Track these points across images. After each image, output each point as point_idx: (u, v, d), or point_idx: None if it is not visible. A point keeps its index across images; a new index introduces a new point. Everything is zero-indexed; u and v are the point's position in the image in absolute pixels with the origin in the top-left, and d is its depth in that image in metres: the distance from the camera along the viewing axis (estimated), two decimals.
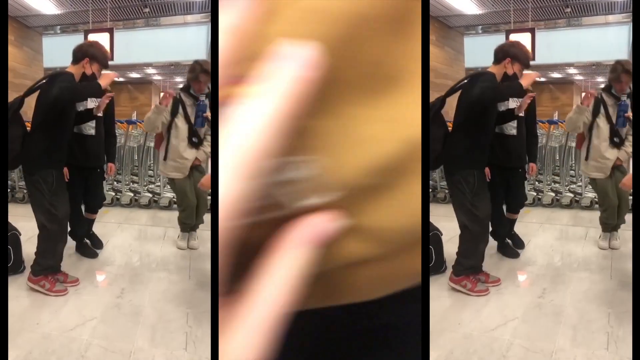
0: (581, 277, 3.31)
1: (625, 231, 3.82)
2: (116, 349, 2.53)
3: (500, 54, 3.10)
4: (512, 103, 3.42)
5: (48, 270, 3.09)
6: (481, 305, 3.00)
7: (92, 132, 3.46)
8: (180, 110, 3.60)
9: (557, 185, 5.03)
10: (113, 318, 2.84)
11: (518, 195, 3.65)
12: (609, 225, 3.77)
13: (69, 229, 3.27)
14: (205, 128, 3.73)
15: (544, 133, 5.19)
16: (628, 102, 3.54)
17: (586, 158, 3.66)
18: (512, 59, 3.05)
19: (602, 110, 3.59)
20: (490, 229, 3.68)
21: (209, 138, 3.77)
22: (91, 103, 3.45)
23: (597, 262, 3.56)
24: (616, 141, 3.59)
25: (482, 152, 3.08)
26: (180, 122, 3.60)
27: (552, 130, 5.26)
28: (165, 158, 3.65)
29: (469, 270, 3.14)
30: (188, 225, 3.83)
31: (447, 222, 3.43)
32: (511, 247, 3.68)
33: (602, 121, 3.59)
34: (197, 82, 3.59)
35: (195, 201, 3.74)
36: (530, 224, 3.85)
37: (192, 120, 3.63)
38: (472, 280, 3.13)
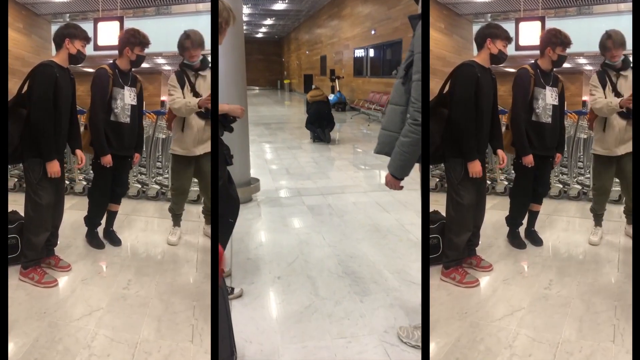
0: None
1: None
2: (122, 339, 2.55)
3: (480, 39, 3.13)
4: (550, 99, 3.38)
5: (34, 263, 3.13)
6: (487, 295, 2.99)
7: (128, 120, 3.49)
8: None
9: (582, 177, 4.95)
10: (120, 309, 2.86)
11: (544, 183, 3.64)
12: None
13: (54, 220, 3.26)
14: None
15: (571, 124, 5.11)
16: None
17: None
18: (492, 38, 3.07)
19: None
20: (508, 214, 3.68)
21: None
22: (128, 98, 3.46)
23: None
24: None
25: (473, 142, 3.01)
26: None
27: (581, 122, 5.13)
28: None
29: (455, 262, 3.15)
30: None
31: None
32: (520, 237, 3.66)
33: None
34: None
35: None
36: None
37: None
38: (460, 272, 3.13)
